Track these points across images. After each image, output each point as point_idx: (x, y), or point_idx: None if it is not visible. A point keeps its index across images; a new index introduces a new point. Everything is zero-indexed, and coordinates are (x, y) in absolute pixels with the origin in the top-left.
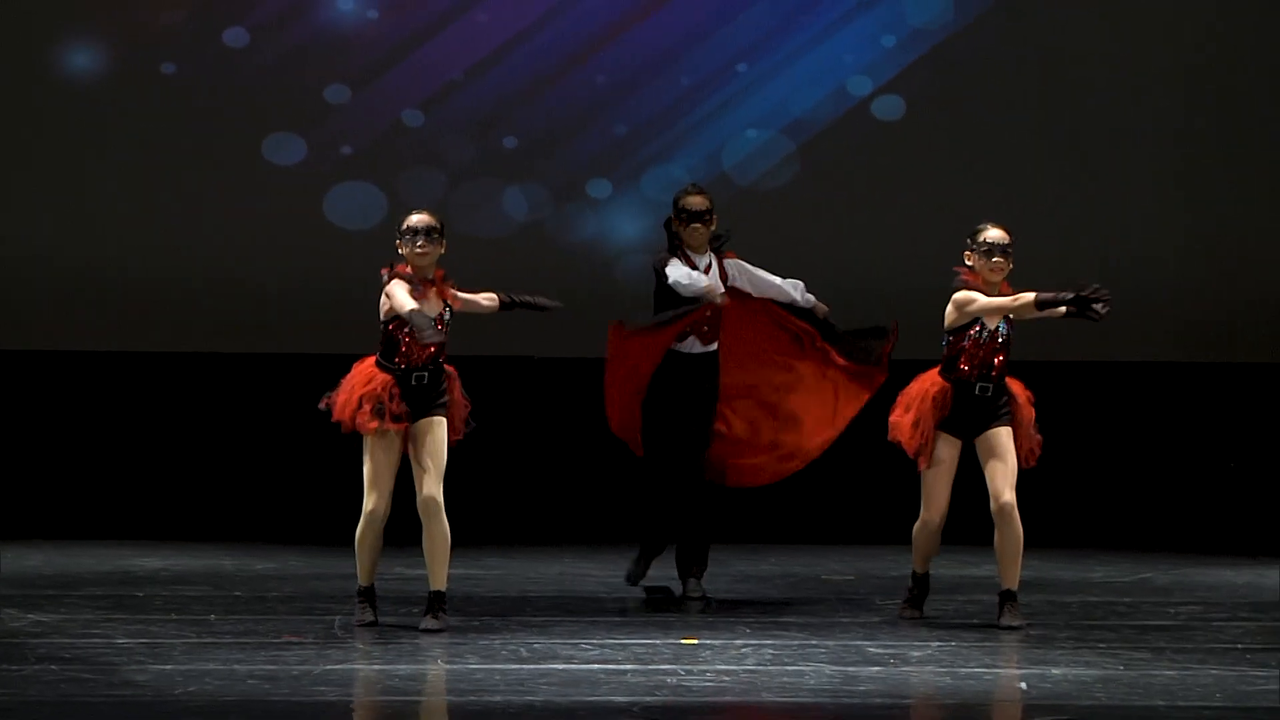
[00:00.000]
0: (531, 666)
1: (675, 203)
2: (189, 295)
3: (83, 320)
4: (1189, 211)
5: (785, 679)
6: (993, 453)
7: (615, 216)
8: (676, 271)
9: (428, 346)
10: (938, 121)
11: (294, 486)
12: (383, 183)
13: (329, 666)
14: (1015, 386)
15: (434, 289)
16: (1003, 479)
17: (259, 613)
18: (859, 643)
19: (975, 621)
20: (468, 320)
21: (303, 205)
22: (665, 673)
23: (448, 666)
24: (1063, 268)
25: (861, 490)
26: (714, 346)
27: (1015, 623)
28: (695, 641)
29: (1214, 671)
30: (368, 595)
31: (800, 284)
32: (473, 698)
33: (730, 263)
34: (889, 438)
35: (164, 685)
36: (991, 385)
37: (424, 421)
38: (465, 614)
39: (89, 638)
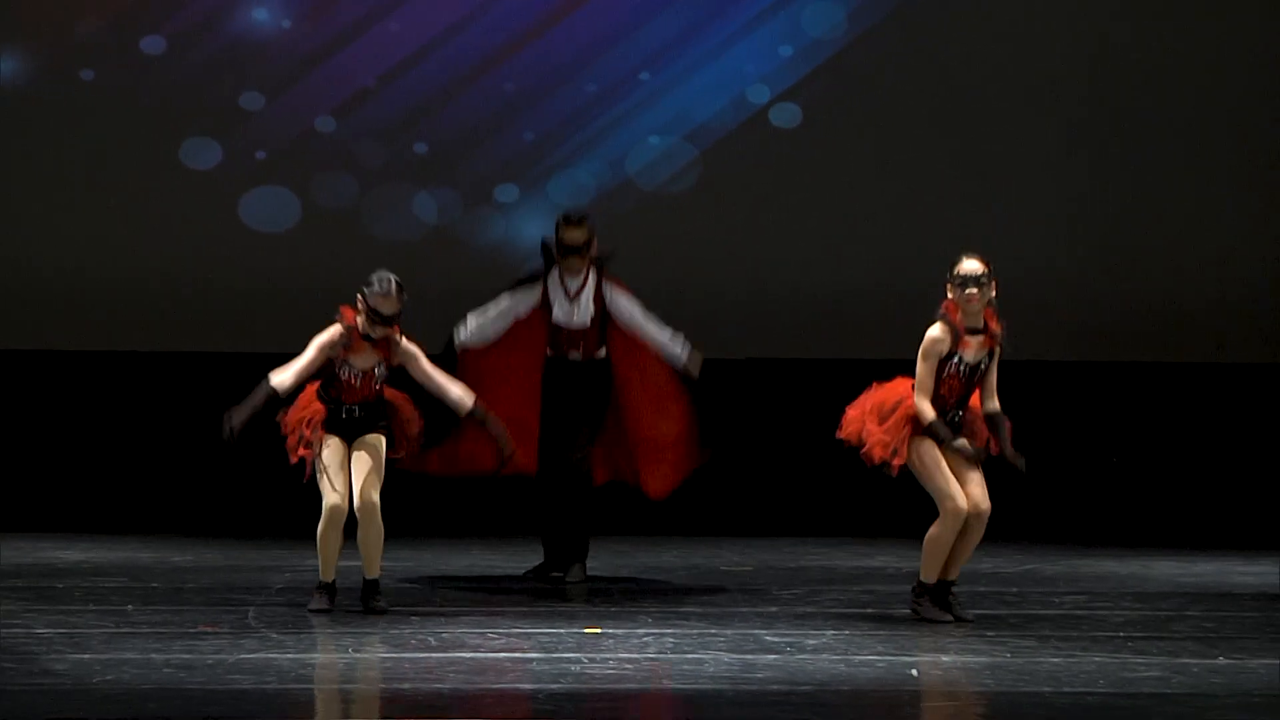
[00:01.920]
0: (440, 655)
1: (556, 229)
2: (105, 295)
3: None
4: (1080, 214)
5: (685, 667)
6: (959, 474)
7: (522, 221)
8: (478, 319)
9: (365, 386)
10: (833, 129)
11: (209, 481)
12: (296, 187)
13: (243, 655)
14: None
15: (367, 345)
16: (980, 487)
17: (176, 604)
18: (757, 632)
19: (870, 611)
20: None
21: (218, 208)
22: (569, 661)
23: (358, 655)
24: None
25: (760, 483)
26: (601, 354)
27: (964, 615)
28: (599, 631)
29: (1097, 659)
30: (328, 590)
31: (681, 339)
32: (383, 685)
33: (609, 290)
34: (842, 434)
35: (83, 674)
36: (965, 413)
37: (360, 439)
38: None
39: (9, 627)
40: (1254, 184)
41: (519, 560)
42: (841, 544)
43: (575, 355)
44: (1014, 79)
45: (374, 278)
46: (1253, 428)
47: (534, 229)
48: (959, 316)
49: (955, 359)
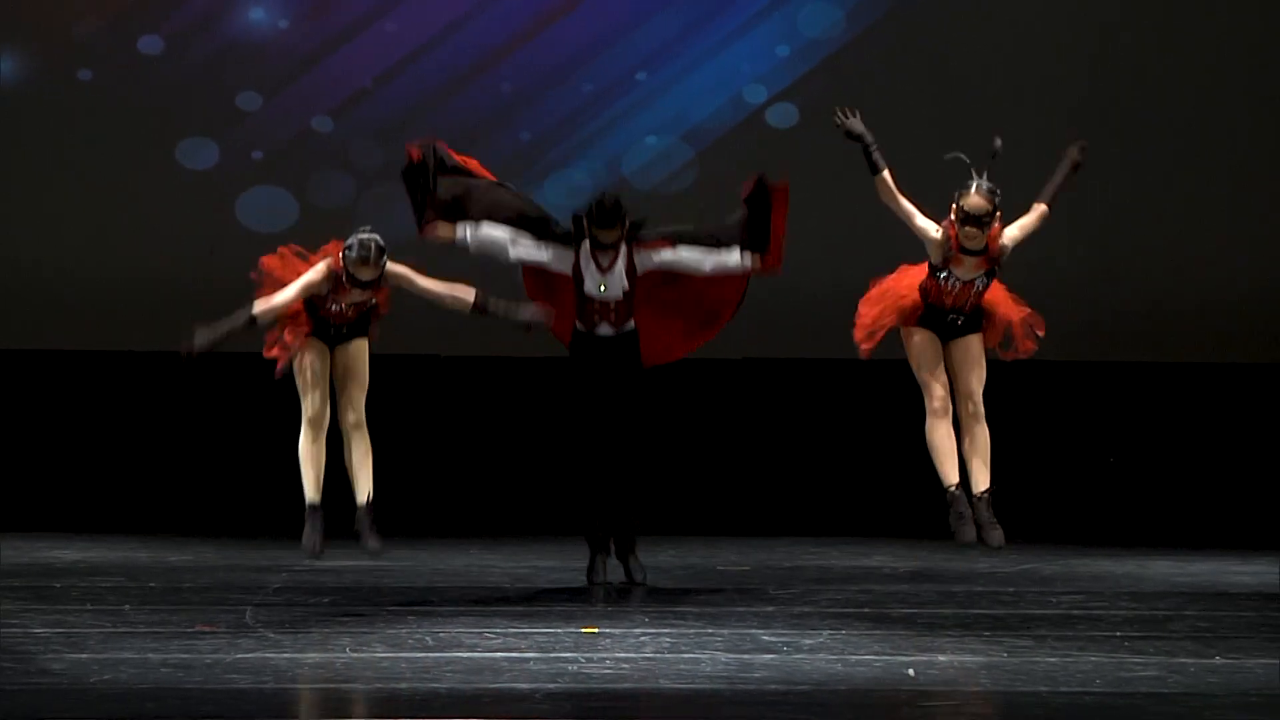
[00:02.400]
0: (437, 655)
1: (590, 212)
2: (102, 295)
3: None
4: (1076, 214)
5: (682, 666)
6: (964, 358)
7: None
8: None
9: (354, 313)
10: (830, 129)
11: (208, 480)
12: (293, 187)
13: (240, 655)
14: (996, 295)
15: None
16: (977, 381)
17: (173, 603)
18: (754, 631)
19: (867, 611)
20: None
21: (215, 208)
22: (566, 660)
23: (355, 655)
24: None
25: (757, 483)
26: (629, 326)
27: (997, 543)
28: (596, 630)
29: (1094, 659)
30: (315, 513)
31: (736, 251)
32: (379, 685)
33: (642, 256)
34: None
35: (80, 674)
36: (964, 316)
37: (343, 346)
38: (373, 603)
39: (6, 627)
40: (1252, 184)
41: (516, 561)
42: (838, 544)
43: (605, 330)
44: (1012, 79)
45: (354, 241)
46: (1250, 428)
47: None
48: (956, 237)
49: (945, 274)
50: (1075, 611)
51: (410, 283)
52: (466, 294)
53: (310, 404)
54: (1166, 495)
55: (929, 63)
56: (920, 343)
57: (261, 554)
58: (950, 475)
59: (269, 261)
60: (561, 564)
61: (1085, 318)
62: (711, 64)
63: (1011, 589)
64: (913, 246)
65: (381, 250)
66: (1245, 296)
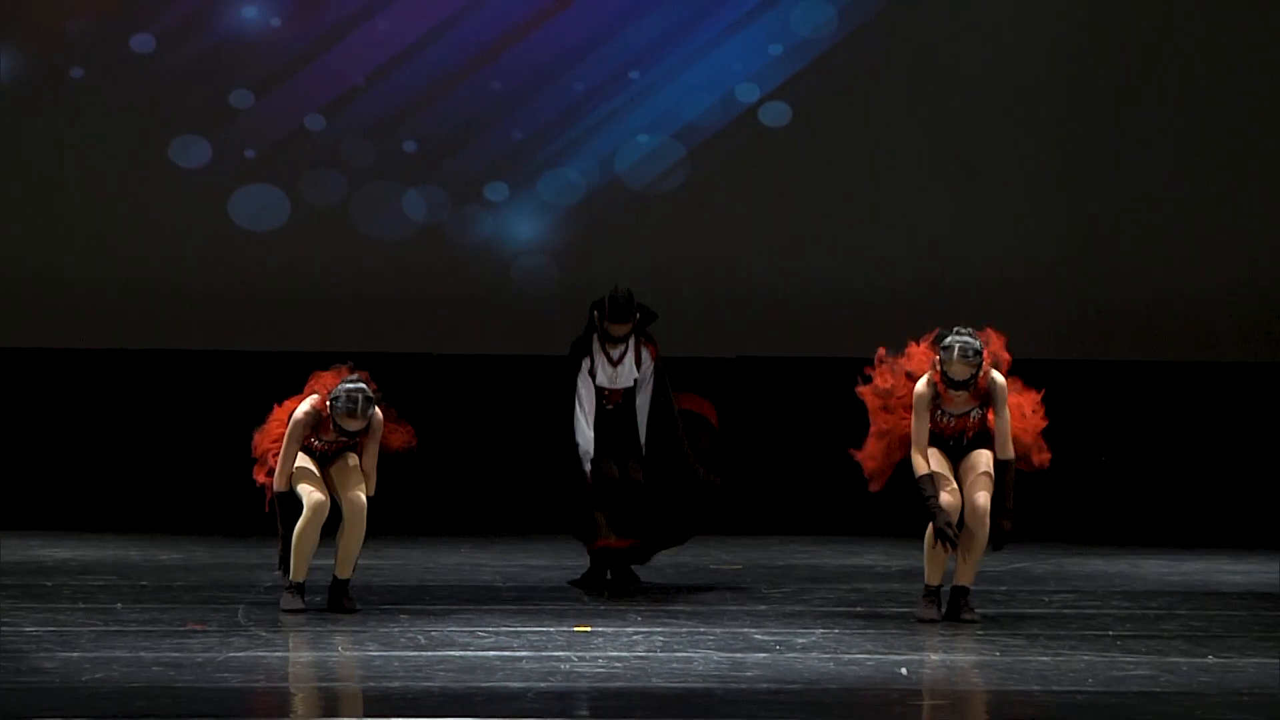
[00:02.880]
0: (430, 653)
1: (604, 305)
2: (94, 293)
3: None
4: (1067, 213)
5: (674, 665)
6: (970, 473)
7: (512, 219)
8: (578, 420)
9: (339, 445)
10: (822, 127)
11: (198, 478)
12: (285, 185)
13: (232, 654)
14: (1013, 401)
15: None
16: (984, 494)
17: (164, 602)
18: (746, 630)
19: (859, 609)
20: (374, 316)
21: (207, 206)
22: (559, 659)
23: (348, 653)
24: (944, 271)
25: (749, 482)
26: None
27: (973, 618)
28: (588, 629)
29: (1086, 657)
30: (300, 590)
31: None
32: (372, 683)
33: (646, 359)
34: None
35: (71, 672)
36: (968, 440)
37: (330, 464)
38: (366, 602)
39: None
40: (1248, 182)
41: (508, 559)
42: (829, 542)
43: (610, 406)
44: (1005, 77)
45: (341, 391)
46: (1244, 427)
47: (524, 227)
48: (938, 376)
49: (939, 412)
50: (1067, 610)
51: (371, 439)
52: (364, 489)
53: (312, 495)
54: (1158, 494)
55: (922, 60)
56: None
57: (253, 552)
58: (934, 578)
59: (256, 439)
60: (554, 562)
61: (1077, 316)
62: (704, 62)
63: (1004, 588)
64: (900, 242)
65: (370, 401)
66: (1239, 295)
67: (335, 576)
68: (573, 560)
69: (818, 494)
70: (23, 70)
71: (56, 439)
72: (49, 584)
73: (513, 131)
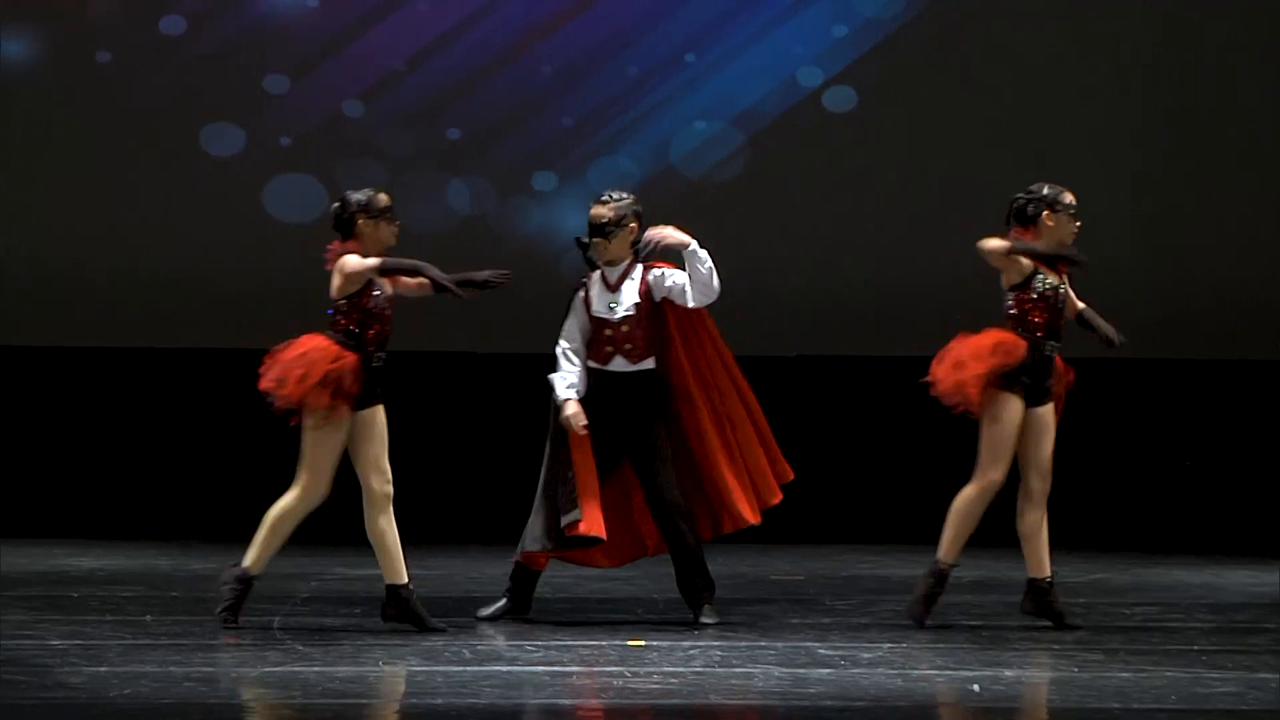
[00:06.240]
0: (475, 668)
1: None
2: (122, 288)
3: (10, 313)
4: (1142, 206)
5: (733, 681)
6: (1038, 434)
7: (561, 210)
8: (558, 376)
9: (385, 325)
10: (889, 113)
11: (231, 485)
12: (322, 175)
13: (267, 669)
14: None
15: None
16: (1046, 465)
17: (196, 614)
18: (809, 644)
19: (928, 623)
20: (408, 315)
21: (241, 197)
22: (611, 675)
23: (389, 668)
24: None
25: (811, 488)
26: (648, 364)
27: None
28: (642, 643)
29: (1169, 674)
30: (248, 585)
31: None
32: (414, 700)
33: (655, 275)
34: (937, 391)
35: (99, 688)
36: (1058, 348)
37: (367, 411)
38: None
39: (22, 639)
40: None
41: (558, 569)
42: (896, 552)
43: (621, 364)
44: (1077, 60)
45: (364, 194)
46: None
47: (573, 218)
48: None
49: (1040, 277)
50: (1149, 624)
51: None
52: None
53: (315, 483)
54: (1243, 500)
55: (991, 44)
56: (1007, 409)
57: (288, 561)
58: (952, 555)
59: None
60: (605, 573)
61: (1156, 314)
62: (763, 45)
63: (1082, 600)
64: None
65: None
66: None
67: (402, 584)
68: (625, 571)
69: (884, 500)
70: (46, 54)
71: (82, 442)
72: (75, 595)
73: (562, 118)
